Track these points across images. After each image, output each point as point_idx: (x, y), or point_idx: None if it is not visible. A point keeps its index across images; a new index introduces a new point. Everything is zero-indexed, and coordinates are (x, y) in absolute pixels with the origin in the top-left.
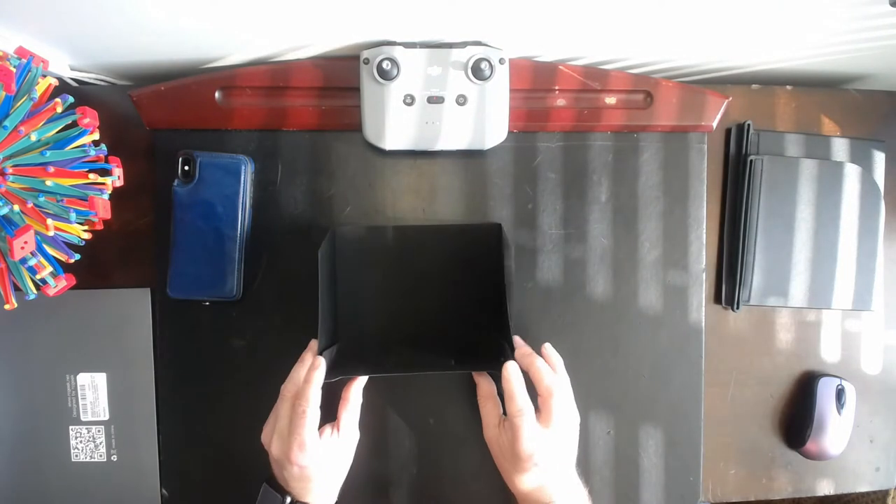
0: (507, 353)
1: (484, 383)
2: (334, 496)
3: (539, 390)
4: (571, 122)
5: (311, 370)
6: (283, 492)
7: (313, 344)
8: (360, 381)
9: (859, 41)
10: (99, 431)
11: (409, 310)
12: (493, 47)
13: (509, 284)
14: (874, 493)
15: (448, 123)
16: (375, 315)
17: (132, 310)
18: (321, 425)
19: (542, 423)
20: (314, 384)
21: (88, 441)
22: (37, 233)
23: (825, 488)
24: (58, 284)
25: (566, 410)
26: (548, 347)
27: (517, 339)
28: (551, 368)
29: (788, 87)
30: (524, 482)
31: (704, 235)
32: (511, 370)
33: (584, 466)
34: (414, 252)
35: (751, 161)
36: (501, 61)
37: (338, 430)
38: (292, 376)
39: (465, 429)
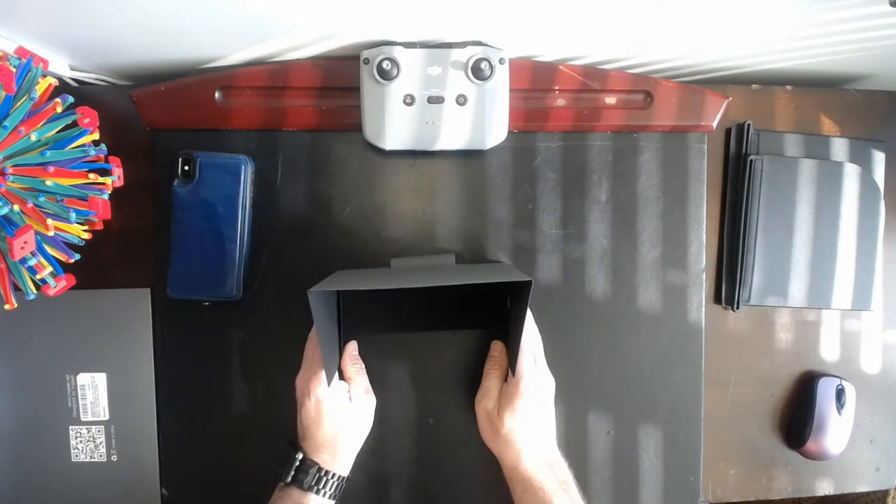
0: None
1: (498, 347)
2: (347, 464)
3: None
4: (571, 122)
5: None
6: (298, 448)
7: None
8: (352, 346)
9: (859, 41)
10: (99, 431)
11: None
12: (493, 47)
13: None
14: (874, 493)
15: (448, 123)
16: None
17: (132, 310)
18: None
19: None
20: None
21: (88, 441)
22: (37, 233)
23: (825, 488)
24: (58, 284)
25: (535, 371)
26: None
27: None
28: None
29: (788, 87)
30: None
31: (704, 235)
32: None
33: (585, 466)
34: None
35: (751, 161)
36: (501, 61)
37: (350, 388)
38: None
39: (465, 429)
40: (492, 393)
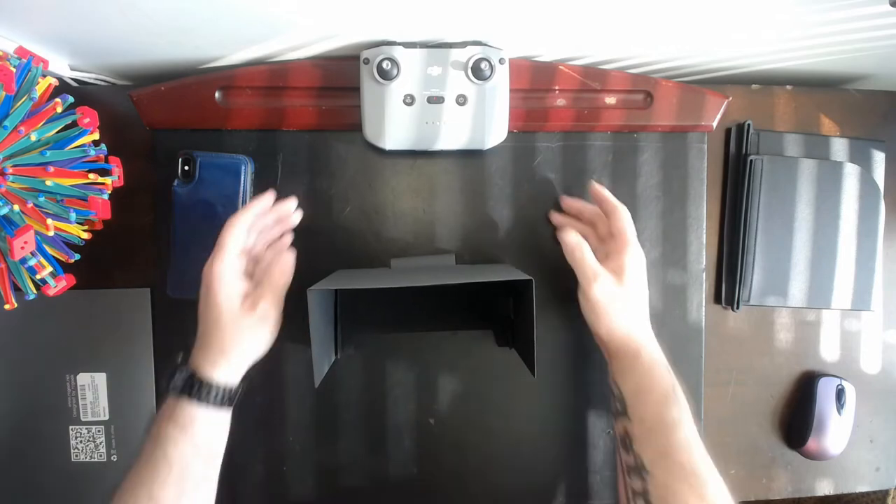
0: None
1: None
2: (228, 371)
3: (607, 210)
4: (571, 121)
5: (258, 200)
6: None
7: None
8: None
9: (859, 41)
10: (99, 431)
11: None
12: (493, 47)
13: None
14: (874, 493)
15: (448, 123)
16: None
17: (132, 310)
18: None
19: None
20: (251, 207)
21: (88, 441)
22: (37, 233)
23: (825, 488)
24: (58, 284)
25: (635, 240)
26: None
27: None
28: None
29: (788, 87)
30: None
31: (704, 235)
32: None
33: (585, 466)
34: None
35: (751, 161)
36: (501, 61)
37: (260, 299)
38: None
39: (465, 429)
40: (598, 269)
